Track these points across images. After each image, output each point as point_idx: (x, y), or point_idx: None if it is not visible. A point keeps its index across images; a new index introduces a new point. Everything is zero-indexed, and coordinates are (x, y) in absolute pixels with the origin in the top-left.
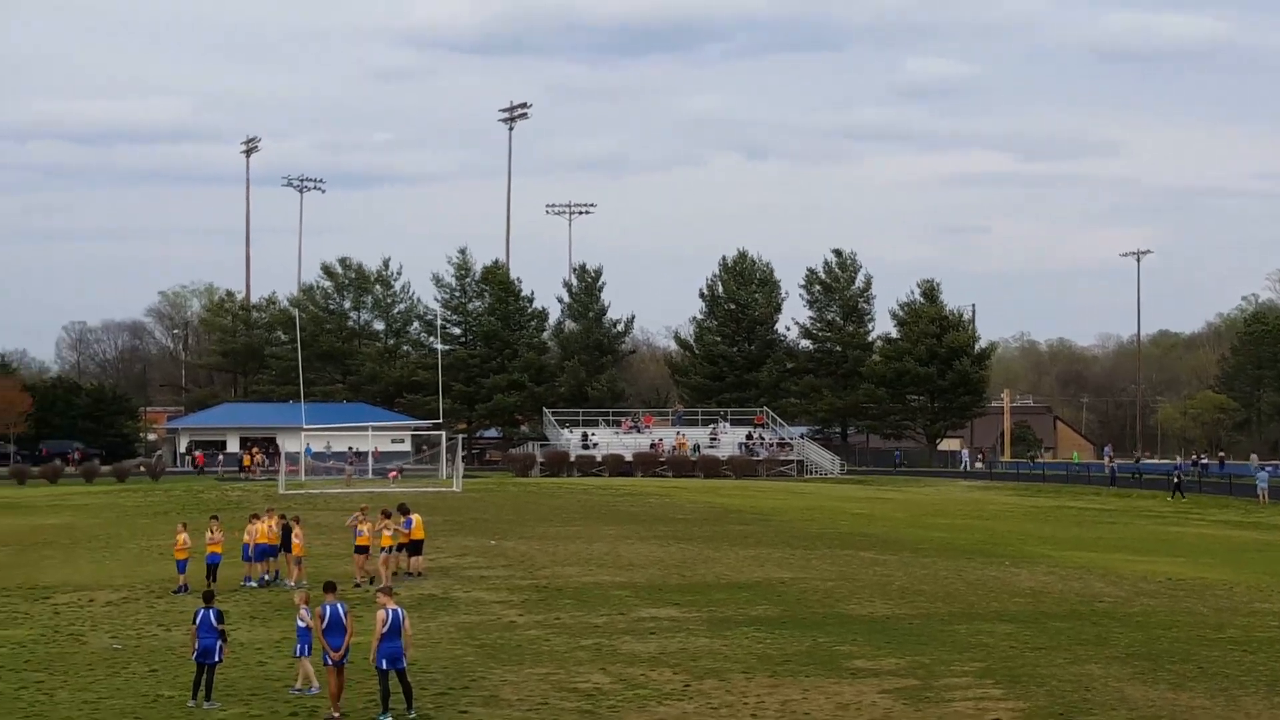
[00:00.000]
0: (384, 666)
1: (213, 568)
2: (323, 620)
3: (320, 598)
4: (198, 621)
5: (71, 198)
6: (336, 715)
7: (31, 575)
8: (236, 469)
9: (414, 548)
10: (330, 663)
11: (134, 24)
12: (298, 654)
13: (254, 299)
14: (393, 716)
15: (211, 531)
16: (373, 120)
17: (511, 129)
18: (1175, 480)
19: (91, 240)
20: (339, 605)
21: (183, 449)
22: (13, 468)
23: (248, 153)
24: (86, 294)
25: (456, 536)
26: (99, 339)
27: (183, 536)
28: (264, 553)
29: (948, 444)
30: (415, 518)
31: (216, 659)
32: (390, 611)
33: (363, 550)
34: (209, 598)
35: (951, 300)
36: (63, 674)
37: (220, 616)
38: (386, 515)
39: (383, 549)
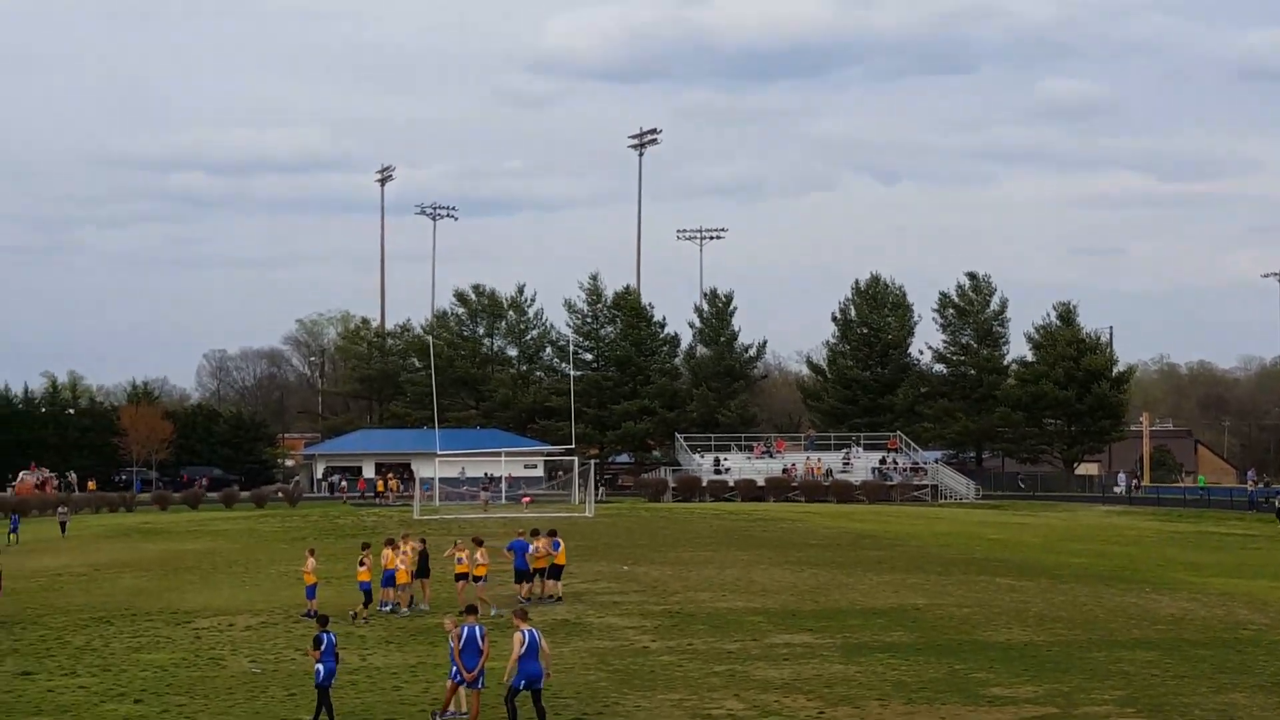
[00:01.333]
0: (521, 687)
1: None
2: (460, 641)
3: (459, 620)
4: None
5: (211, 227)
6: None
7: (173, 600)
8: (361, 495)
9: (554, 572)
10: (463, 683)
11: (271, 55)
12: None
13: (389, 326)
14: None
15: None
16: (505, 147)
17: (642, 155)
18: None
19: (231, 269)
20: (477, 627)
21: (319, 475)
22: (154, 494)
23: (382, 181)
24: (226, 322)
25: (589, 562)
26: (238, 366)
27: (311, 562)
28: (389, 579)
29: (1085, 468)
30: (560, 541)
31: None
32: (527, 633)
33: (462, 577)
34: (324, 621)
35: (1088, 322)
36: (203, 697)
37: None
38: (479, 544)
39: (476, 578)
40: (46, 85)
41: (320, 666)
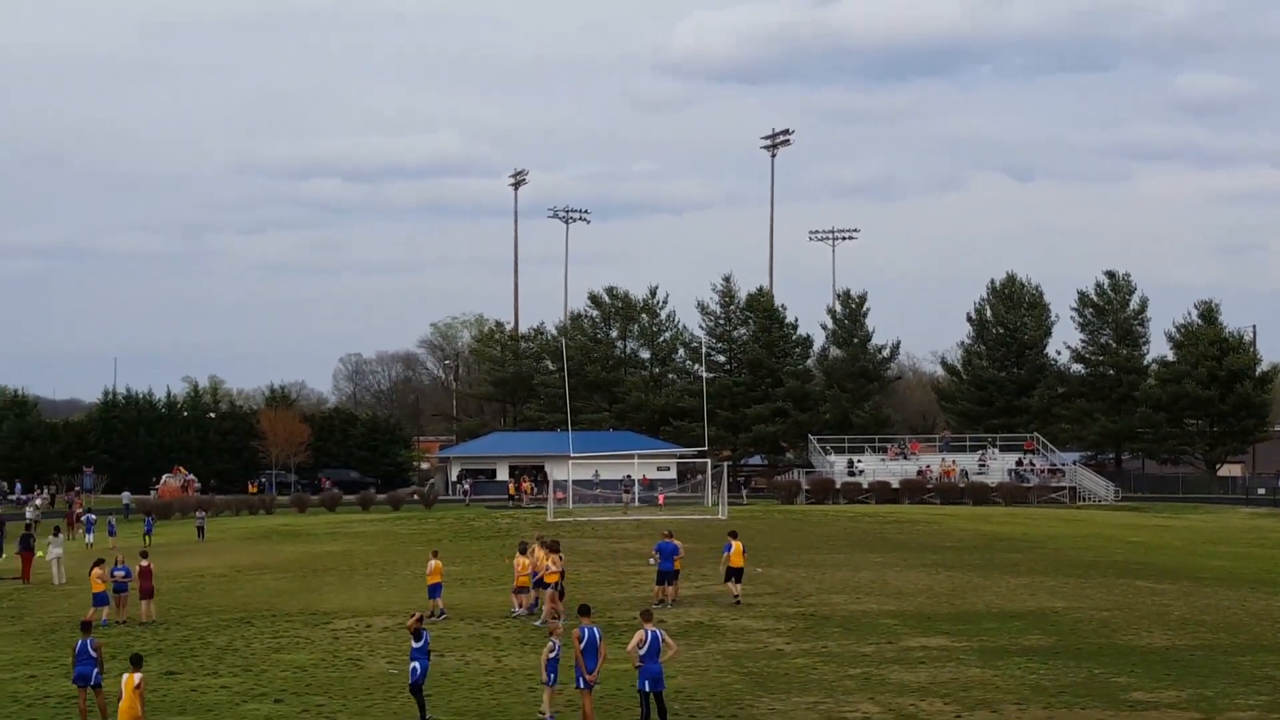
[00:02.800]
0: (645, 689)
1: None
2: (580, 642)
3: (578, 621)
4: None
5: (347, 233)
6: None
7: (312, 601)
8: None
9: (735, 574)
10: (584, 685)
11: (405, 63)
12: (547, 683)
13: (522, 329)
14: None
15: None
16: (636, 150)
17: (774, 156)
18: None
19: (367, 274)
20: (595, 629)
21: (454, 477)
22: (293, 496)
23: (515, 185)
24: (362, 326)
25: (722, 564)
26: (374, 370)
27: (434, 564)
28: (536, 582)
29: (1228, 469)
30: (736, 544)
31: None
32: (649, 634)
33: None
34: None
35: (1231, 321)
36: (341, 697)
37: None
38: (552, 549)
39: (546, 585)
40: (188, 96)
41: (416, 665)
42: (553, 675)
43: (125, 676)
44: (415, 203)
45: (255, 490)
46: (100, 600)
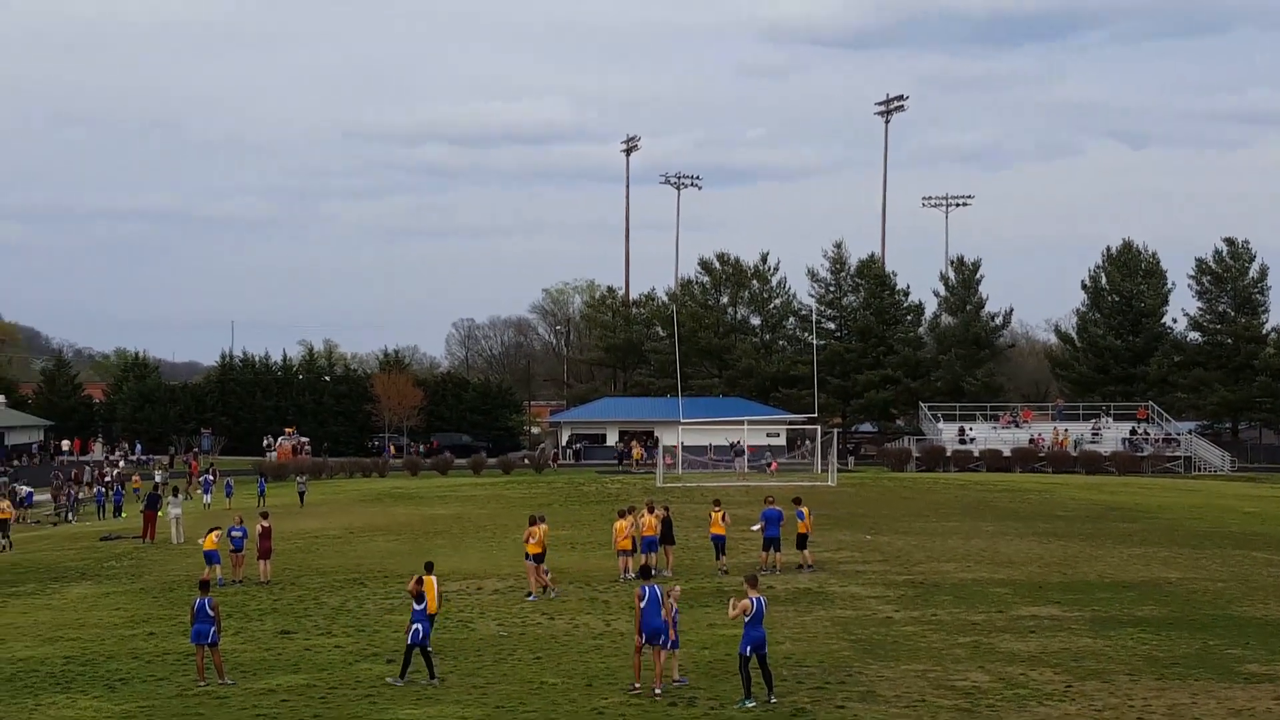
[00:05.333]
0: (747, 653)
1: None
2: (642, 601)
3: (641, 582)
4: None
5: (458, 198)
6: (659, 692)
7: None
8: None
9: (801, 540)
10: (665, 645)
11: (516, 28)
12: (669, 647)
13: (633, 295)
14: (755, 702)
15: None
16: (748, 116)
17: (888, 122)
18: None
19: (478, 239)
20: (658, 588)
21: (564, 442)
22: (406, 459)
23: (627, 151)
24: (474, 291)
25: (832, 531)
26: (486, 335)
27: (543, 527)
28: (649, 545)
29: None
30: (805, 510)
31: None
32: (755, 600)
33: (538, 558)
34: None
35: None
36: (453, 659)
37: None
38: (650, 509)
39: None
40: (298, 62)
41: (418, 626)
42: (673, 638)
43: (425, 578)
44: (526, 168)
45: (395, 453)
46: (211, 558)
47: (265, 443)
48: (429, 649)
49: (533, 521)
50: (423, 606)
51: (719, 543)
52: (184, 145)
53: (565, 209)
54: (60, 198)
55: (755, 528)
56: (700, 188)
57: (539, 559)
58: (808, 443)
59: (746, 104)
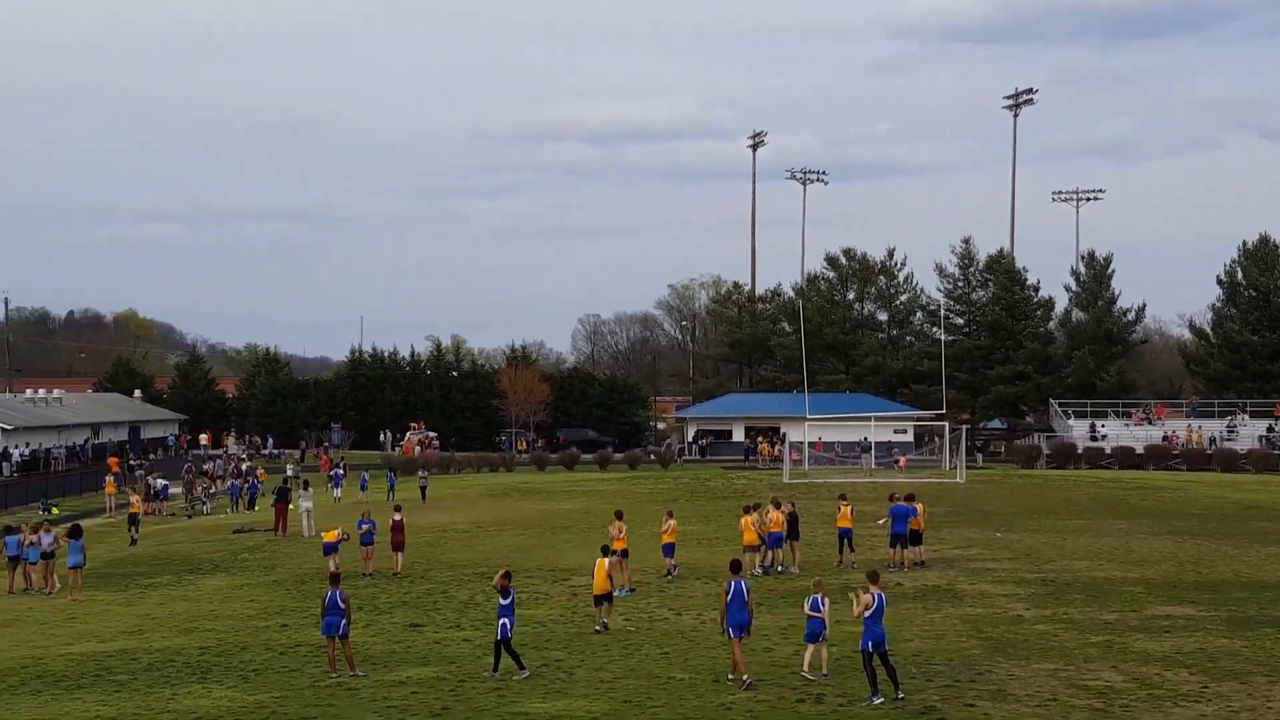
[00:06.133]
0: (870, 649)
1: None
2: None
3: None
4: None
5: (586, 195)
6: (746, 680)
7: (551, 558)
8: (730, 457)
9: (914, 538)
10: (739, 636)
11: (643, 27)
12: (805, 639)
13: (759, 290)
14: (882, 698)
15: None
16: (874, 111)
17: (1016, 116)
18: None
19: (604, 236)
20: (744, 582)
21: (690, 438)
22: (533, 454)
23: (754, 147)
24: (600, 287)
25: (960, 528)
26: (612, 330)
27: (672, 523)
28: (775, 541)
29: None
30: (919, 507)
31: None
32: (876, 596)
33: (623, 554)
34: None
35: None
36: (580, 653)
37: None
38: (777, 505)
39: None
40: (430, 62)
41: (505, 621)
42: (808, 631)
43: (599, 560)
44: (653, 165)
45: (524, 447)
46: (329, 549)
47: (381, 437)
48: (510, 643)
49: (619, 517)
50: (508, 601)
51: (846, 536)
52: (319, 145)
53: (692, 205)
54: (197, 198)
55: (880, 523)
56: (827, 183)
57: (623, 555)
58: (936, 439)
59: (874, 99)
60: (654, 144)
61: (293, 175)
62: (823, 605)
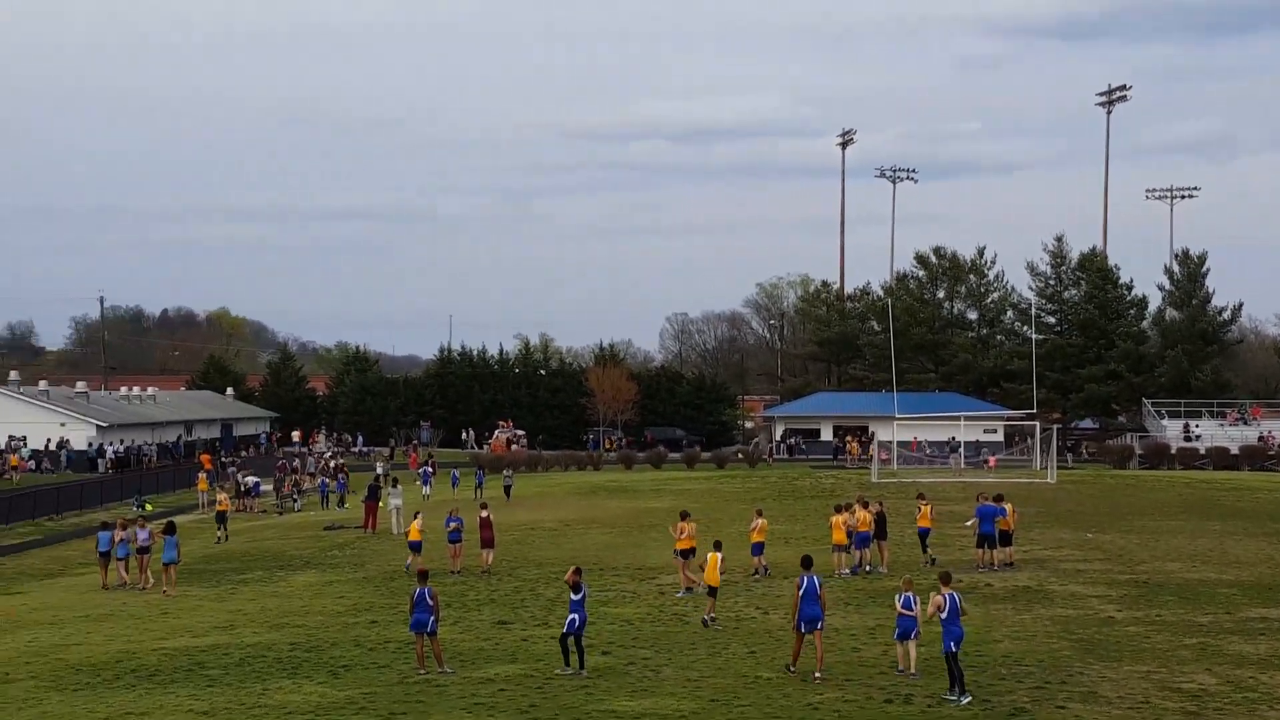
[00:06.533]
0: (953, 649)
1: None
2: (799, 590)
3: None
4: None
5: (672, 194)
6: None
7: (638, 556)
8: (818, 457)
9: (1004, 538)
10: (805, 631)
11: (730, 25)
12: (897, 638)
13: (848, 289)
14: (970, 697)
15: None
16: (963, 109)
17: (1109, 113)
18: None
19: (693, 234)
20: (816, 578)
21: (778, 437)
22: (620, 453)
23: (843, 145)
24: (688, 286)
25: (1051, 529)
26: (699, 329)
27: (761, 522)
28: (863, 540)
29: None
30: (1008, 507)
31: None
32: (947, 597)
33: (687, 554)
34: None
35: None
36: (667, 651)
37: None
38: (864, 504)
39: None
40: (514, 61)
41: (575, 616)
42: (900, 629)
43: (710, 555)
44: (740, 164)
45: (610, 446)
46: (415, 547)
47: (463, 435)
48: (582, 641)
49: (683, 517)
50: (580, 596)
51: (925, 535)
52: (406, 144)
53: (780, 204)
54: (288, 198)
55: (969, 524)
56: (916, 181)
57: (687, 555)
58: (1026, 439)
59: (963, 96)
60: (740, 142)
61: (382, 174)
62: (915, 604)
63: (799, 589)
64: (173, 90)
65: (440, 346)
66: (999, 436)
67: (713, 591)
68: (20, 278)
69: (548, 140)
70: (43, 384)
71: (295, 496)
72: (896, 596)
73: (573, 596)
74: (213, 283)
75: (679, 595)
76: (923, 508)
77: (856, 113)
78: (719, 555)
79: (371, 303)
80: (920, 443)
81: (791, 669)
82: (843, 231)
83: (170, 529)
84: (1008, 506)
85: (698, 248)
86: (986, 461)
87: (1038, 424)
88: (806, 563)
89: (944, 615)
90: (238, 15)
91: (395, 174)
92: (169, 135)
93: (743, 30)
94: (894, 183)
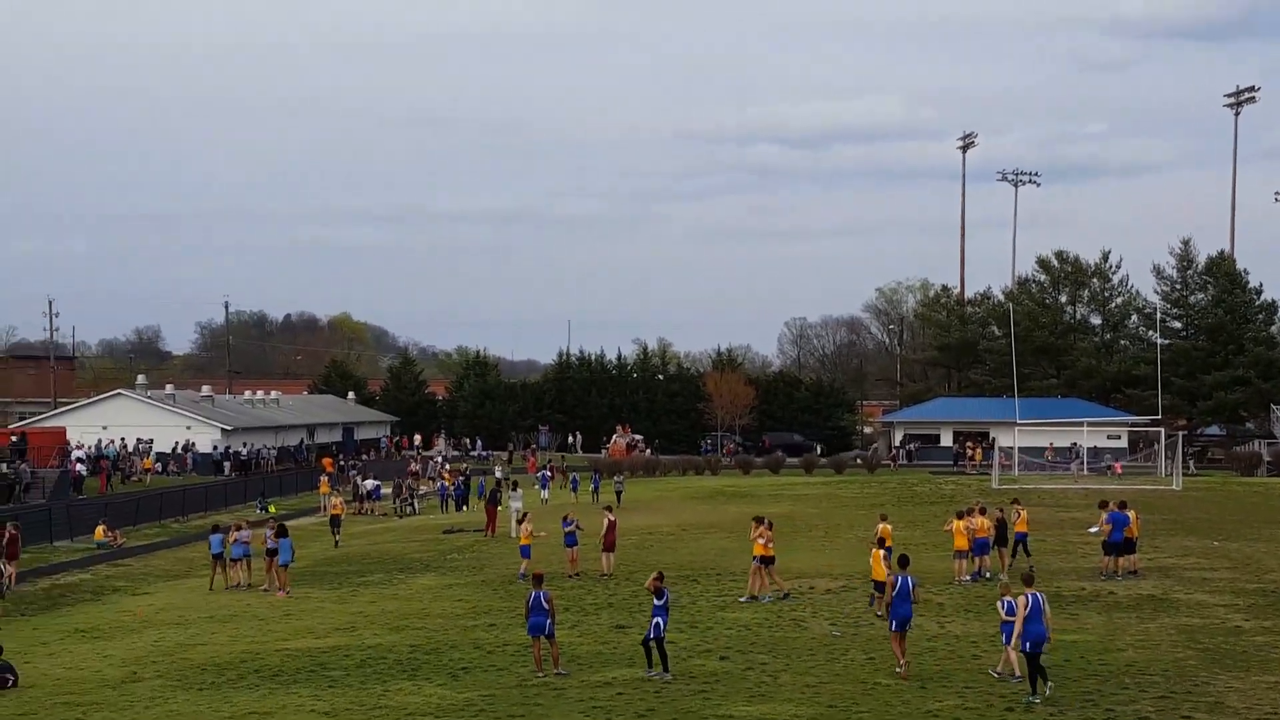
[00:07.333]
0: (1027, 650)
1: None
2: (1025, 608)
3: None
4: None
5: (790, 198)
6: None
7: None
8: (938, 462)
9: (1128, 546)
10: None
11: (847, 26)
12: (1005, 643)
13: (968, 294)
14: (1040, 697)
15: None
16: (1087, 111)
17: (1237, 114)
18: None
19: (811, 239)
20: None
21: (897, 442)
22: (738, 458)
23: (963, 148)
24: (806, 290)
25: (1176, 536)
26: (818, 334)
27: (884, 527)
28: (982, 546)
29: None
30: (1130, 514)
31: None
32: (1031, 597)
33: (766, 561)
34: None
35: None
36: (785, 657)
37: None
38: (983, 511)
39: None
40: (632, 63)
41: (658, 620)
42: (1005, 634)
43: (874, 552)
44: (859, 166)
45: (730, 450)
46: (525, 553)
47: (570, 439)
48: (664, 644)
49: (760, 522)
50: (662, 601)
51: (1022, 541)
52: (525, 148)
53: (899, 208)
54: (408, 201)
55: (1093, 530)
56: (1039, 185)
57: (766, 561)
58: (1151, 445)
59: (1086, 98)
60: (860, 145)
61: (501, 178)
62: (1017, 608)
63: (893, 589)
64: (297, 94)
65: (559, 351)
66: (1123, 443)
67: (878, 586)
68: (148, 283)
69: (665, 143)
70: (169, 388)
71: (411, 499)
72: (999, 602)
73: (655, 602)
74: (334, 287)
75: (765, 600)
76: (1020, 512)
77: (977, 114)
78: (882, 552)
79: (490, 307)
80: (1056, 449)
81: (899, 670)
82: (963, 235)
83: (282, 531)
84: (1131, 513)
85: (816, 252)
86: (1112, 468)
87: (1162, 430)
88: (903, 562)
89: (1026, 613)
90: (360, 22)
91: (514, 177)
92: (292, 140)
93: (862, 31)
94: (1016, 186)
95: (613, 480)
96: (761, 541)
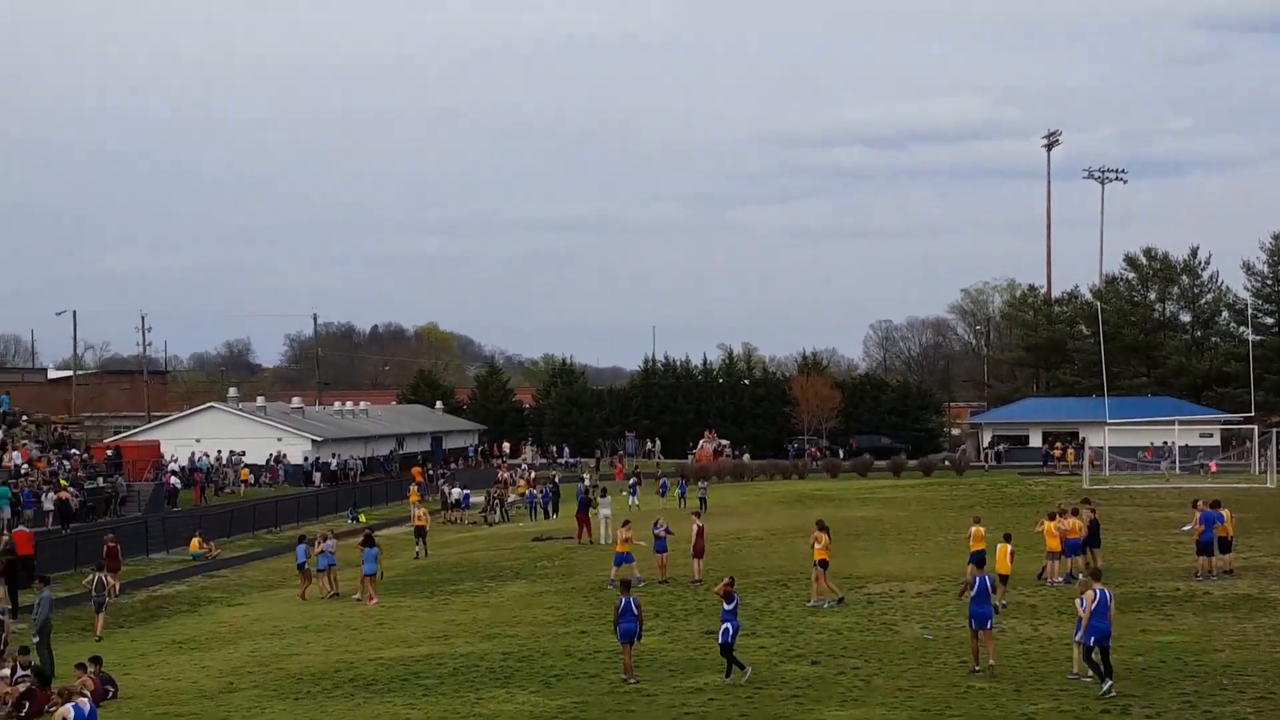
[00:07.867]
0: (1090, 643)
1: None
2: (1093, 602)
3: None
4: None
5: (873, 199)
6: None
7: (845, 565)
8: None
9: (1223, 545)
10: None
11: (929, 25)
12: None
13: (1055, 292)
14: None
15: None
16: (1174, 106)
17: None
18: None
19: (895, 240)
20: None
21: (986, 443)
22: (825, 461)
23: (1048, 146)
24: (892, 292)
25: (1272, 535)
26: (904, 336)
27: (978, 529)
28: (1073, 547)
29: None
30: (1225, 513)
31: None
32: (1098, 592)
33: (825, 565)
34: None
35: None
36: (877, 661)
37: None
38: (1075, 512)
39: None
40: (710, 69)
41: (728, 625)
42: (1078, 633)
43: (1000, 546)
44: (942, 167)
45: (820, 453)
46: (620, 559)
47: (649, 445)
48: (731, 649)
49: (820, 527)
50: (732, 606)
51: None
52: (608, 155)
53: (983, 207)
54: (493, 209)
55: (1186, 529)
56: (1125, 181)
57: (824, 565)
58: (1245, 443)
59: (1172, 94)
60: (943, 145)
61: (581, 185)
62: (1086, 602)
63: (971, 588)
64: (376, 106)
65: (645, 358)
66: (1215, 441)
67: (1004, 579)
68: (238, 296)
69: (746, 146)
70: (260, 400)
71: (497, 508)
72: (1078, 601)
73: (725, 606)
74: (420, 297)
75: (810, 604)
76: (1086, 513)
77: (1061, 112)
78: (1009, 546)
79: (575, 314)
80: (1155, 448)
81: (976, 669)
82: (1049, 234)
83: (369, 541)
84: (1225, 512)
85: (901, 253)
86: (1207, 466)
87: (1256, 427)
88: (979, 562)
89: (1093, 609)
90: (433, 34)
91: (596, 185)
92: (374, 150)
93: (943, 29)
94: (1102, 183)
95: (696, 486)
96: (819, 546)
